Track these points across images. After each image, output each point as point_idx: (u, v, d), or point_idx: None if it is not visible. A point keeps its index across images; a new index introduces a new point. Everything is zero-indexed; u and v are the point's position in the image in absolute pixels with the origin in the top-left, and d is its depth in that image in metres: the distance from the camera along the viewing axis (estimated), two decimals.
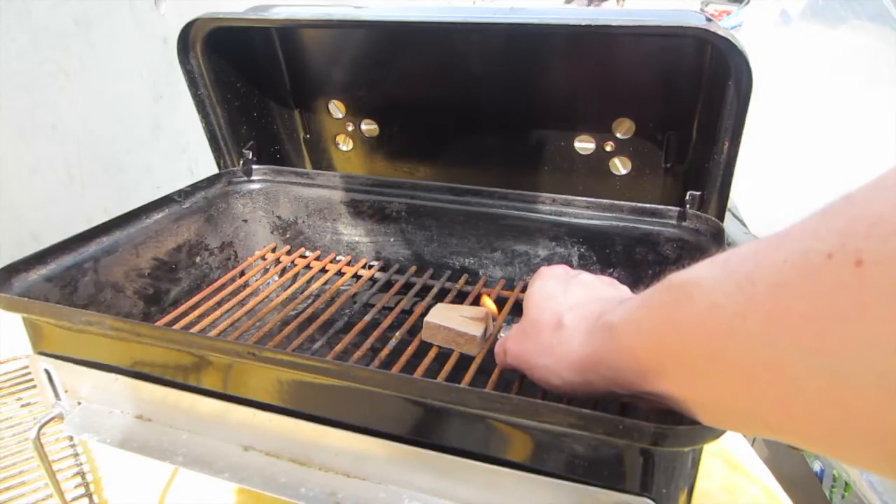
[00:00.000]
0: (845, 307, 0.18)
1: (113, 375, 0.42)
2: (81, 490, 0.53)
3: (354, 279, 0.66)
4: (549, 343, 0.36)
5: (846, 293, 0.18)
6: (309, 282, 0.64)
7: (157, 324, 0.54)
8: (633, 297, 0.31)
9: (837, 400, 0.19)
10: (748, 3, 1.53)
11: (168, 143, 1.12)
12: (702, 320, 0.24)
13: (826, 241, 0.19)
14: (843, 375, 0.18)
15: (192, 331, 0.52)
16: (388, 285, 0.64)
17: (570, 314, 0.36)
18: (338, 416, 0.37)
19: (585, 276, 0.41)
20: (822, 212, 0.20)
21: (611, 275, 0.59)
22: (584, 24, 0.47)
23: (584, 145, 0.61)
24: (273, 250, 0.69)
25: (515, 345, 0.40)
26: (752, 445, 0.61)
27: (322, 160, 0.74)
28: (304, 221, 0.70)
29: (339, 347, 0.50)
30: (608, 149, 0.61)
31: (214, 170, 0.68)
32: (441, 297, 0.61)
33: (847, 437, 0.19)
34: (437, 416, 0.35)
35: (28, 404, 0.62)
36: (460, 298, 0.61)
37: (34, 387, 0.63)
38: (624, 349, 0.30)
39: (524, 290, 0.60)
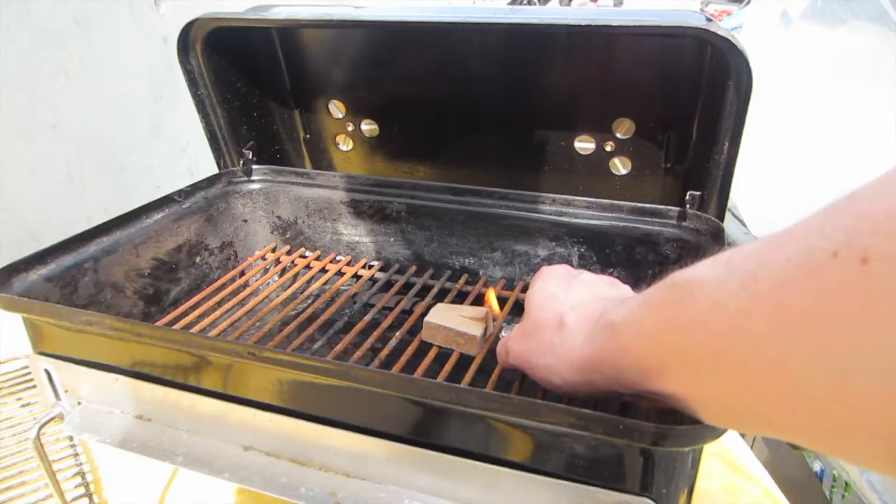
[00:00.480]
0: (850, 305, 0.18)
1: (113, 375, 0.42)
2: (81, 490, 0.53)
3: (354, 279, 0.66)
4: (551, 342, 0.36)
5: (851, 291, 0.18)
6: (309, 282, 0.64)
7: (157, 324, 0.54)
8: (635, 297, 0.31)
9: (841, 398, 0.19)
10: (748, 3, 1.54)
11: (168, 143, 1.12)
12: (704, 319, 0.24)
13: (831, 239, 0.19)
14: (847, 373, 0.18)
15: (192, 331, 0.52)
16: (388, 285, 0.64)
17: (572, 314, 0.36)
18: (338, 416, 0.37)
19: (587, 276, 0.41)
20: (827, 209, 0.20)
21: (611, 275, 0.59)
22: (584, 24, 0.47)
23: (584, 145, 0.61)
24: (273, 250, 0.69)
25: (517, 344, 0.40)
26: (752, 447, 0.61)
27: (322, 160, 0.74)
28: (304, 221, 0.70)
29: (339, 347, 0.50)
30: (608, 149, 0.61)
31: (214, 170, 0.68)
32: (441, 297, 0.61)
33: (850, 436, 0.19)
34: (437, 416, 0.35)
35: (28, 404, 0.62)
36: (460, 298, 0.61)
37: (34, 387, 0.63)
38: (626, 348, 0.30)
39: (524, 290, 0.60)
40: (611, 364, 0.31)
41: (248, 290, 0.61)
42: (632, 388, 0.30)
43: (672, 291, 0.26)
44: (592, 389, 0.34)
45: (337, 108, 0.69)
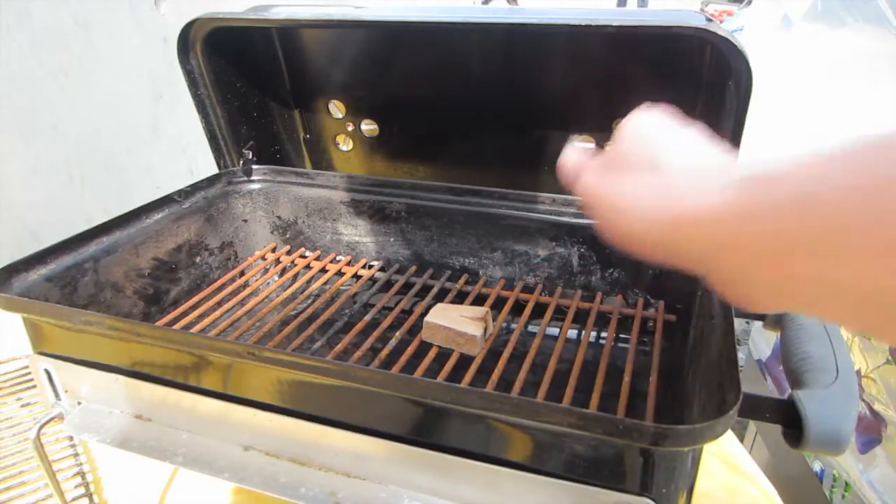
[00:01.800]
0: None
1: (113, 375, 0.42)
2: (81, 490, 0.53)
3: (354, 279, 0.66)
4: (666, 185, 0.30)
5: None
6: (309, 282, 0.64)
7: (157, 324, 0.54)
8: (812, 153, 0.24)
9: None
10: (749, 3, 1.54)
11: (168, 143, 1.12)
12: None
13: None
14: None
15: (192, 331, 0.52)
16: (388, 285, 0.64)
17: (685, 161, 0.31)
18: (338, 416, 0.37)
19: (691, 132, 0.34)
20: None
21: (611, 275, 0.59)
22: (584, 24, 0.47)
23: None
24: (273, 250, 0.69)
25: (604, 177, 0.34)
26: (752, 448, 0.61)
27: (322, 160, 0.74)
28: (304, 221, 0.70)
29: (339, 347, 0.50)
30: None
31: (214, 170, 0.68)
32: (441, 297, 0.61)
33: None
34: (437, 416, 0.35)
35: (28, 404, 0.62)
36: (460, 298, 0.61)
37: (34, 387, 0.63)
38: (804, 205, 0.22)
39: (524, 290, 0.60)
40: (759, 220, 0.24)
41: (248, 290, 0.61)
42: (731, 264, 0.25)
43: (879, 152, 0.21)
44: (664, 251, 0.29)
45: (337, 108, 0.69)
